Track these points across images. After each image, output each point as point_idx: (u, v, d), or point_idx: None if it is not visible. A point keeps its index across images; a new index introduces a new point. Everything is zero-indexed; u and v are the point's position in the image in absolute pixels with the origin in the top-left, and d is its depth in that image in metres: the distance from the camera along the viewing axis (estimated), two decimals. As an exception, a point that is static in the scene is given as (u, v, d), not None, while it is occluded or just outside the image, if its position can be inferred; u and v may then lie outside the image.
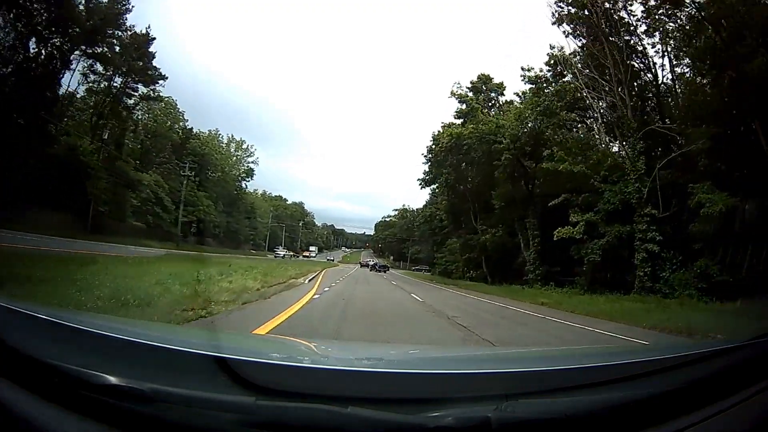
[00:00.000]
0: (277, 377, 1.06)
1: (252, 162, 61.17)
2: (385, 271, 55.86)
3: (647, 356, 1.64)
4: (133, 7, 31.24)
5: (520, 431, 1.01)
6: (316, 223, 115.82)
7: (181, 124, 47.23)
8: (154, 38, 33.43)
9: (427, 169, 37.77)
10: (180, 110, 46.60)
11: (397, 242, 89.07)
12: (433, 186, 42.12)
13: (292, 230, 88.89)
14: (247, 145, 60.69)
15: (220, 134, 57.35)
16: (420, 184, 39.86)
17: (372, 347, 3.33)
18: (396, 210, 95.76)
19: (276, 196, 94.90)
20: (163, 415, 0.94)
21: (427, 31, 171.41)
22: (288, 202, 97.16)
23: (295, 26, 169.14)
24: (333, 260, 71.90)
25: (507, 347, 6.12)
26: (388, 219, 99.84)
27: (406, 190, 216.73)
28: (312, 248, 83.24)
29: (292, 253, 64.12)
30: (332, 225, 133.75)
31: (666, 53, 20.66)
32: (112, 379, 0.95)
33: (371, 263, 59.88)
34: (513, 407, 1.01)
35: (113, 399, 0.95)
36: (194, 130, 50.16)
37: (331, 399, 0.97)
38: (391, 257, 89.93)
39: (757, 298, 11.68)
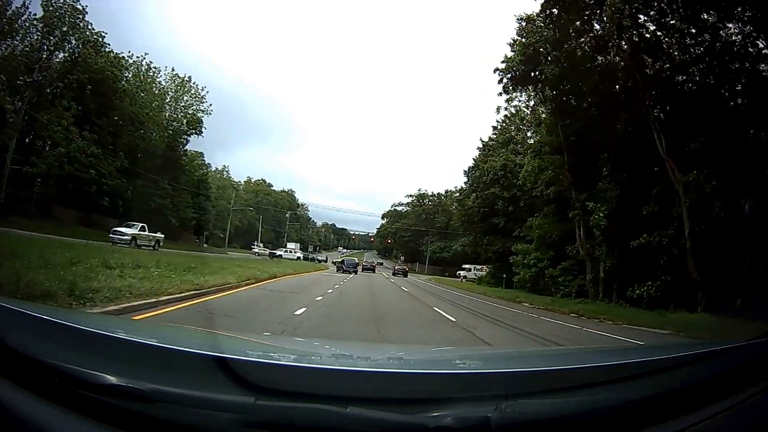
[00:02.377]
0: (277, 377, 1.06)
1: (202, 111, 41.42)
2: (404, 275, 40.51)
3: (647, 356, 1.64)
4: None
5: (519, 431, 1.02)
6: (311, 217, 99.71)
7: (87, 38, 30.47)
8: None
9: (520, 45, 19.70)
10: (89, 23, 29.84)
11: (413, 237, 70.25)
12: (518, 95, 22.88)
13: (278, 224, 73.91)
14: (196, 86, 41.16)
15: (149, 62, 37.75)
16: (501, 80, 20.79)
17: (372, 347, 3.34)
18: (410, 196, 75.93)
19: (258, 180, 78.15)
20: (163, 415, 0.94)
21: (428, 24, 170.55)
22: (273, 188, 79.49)
23: (295, 24, 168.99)
24: (319, 260, 53.82)
25: (507, 347, 6.13)
26: (399, 207, 77.65)
27: (411, 189, 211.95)
28: (291, 245, 62.79)
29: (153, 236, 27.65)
30: (333, 224, 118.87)
31: None
32: (112, 379, 0.95)
33: (370, 264, 45.80)
34: (513, 407, 1.01)
35: (113, 399, 0.95)
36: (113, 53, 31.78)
37: (331, 399, 0.97)
38: (402, 257, 70.01)
39: None
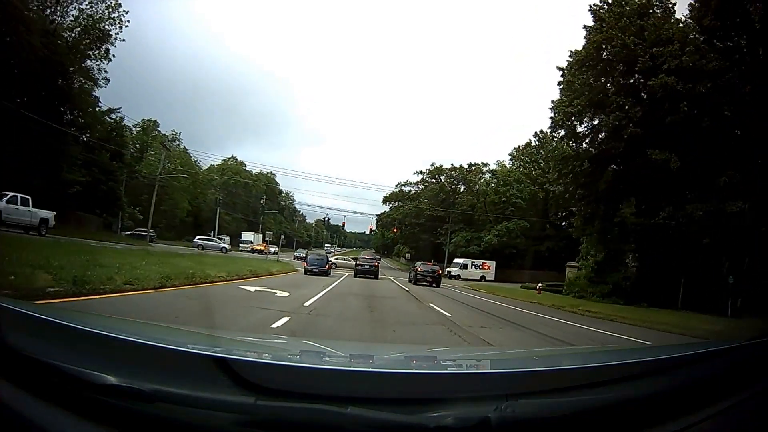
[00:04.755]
0: (277, 377, 1.06)
1: (112, 20, 27.72)
2: (435, 283, 24.10)
3: (647, 356, 1.65)
4: None
5: (519, 431, 1.02)
6: (298, 209, 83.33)
7: None
8: None
9: None
10: None
11: (425, 226, 50.99)
12: None
13: (255, 213, 58.14)
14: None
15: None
16: None
17: (372, 347, 3.34)
18: (419, 172, 53.77)
19: (228, 157, 64.19)
20: (163, 415, 0.95)
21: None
22: (247, 169, 63.47)
23: (301, 20, 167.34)
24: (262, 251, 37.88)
25: (507, 347, 6.14)
26: (407, 188, 54.52)
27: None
28: (248, 236, 50.28)
29: None
30: (328, 219, 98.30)
31: None
32: (112, 379, 0.95)
33: (369, 264, 26.96)
34: (513, 407, 1.01)
35: (113, 399, 0.95)
36: None
37: (331, 399, 0.97)
38: (408, 254, 54.71)
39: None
